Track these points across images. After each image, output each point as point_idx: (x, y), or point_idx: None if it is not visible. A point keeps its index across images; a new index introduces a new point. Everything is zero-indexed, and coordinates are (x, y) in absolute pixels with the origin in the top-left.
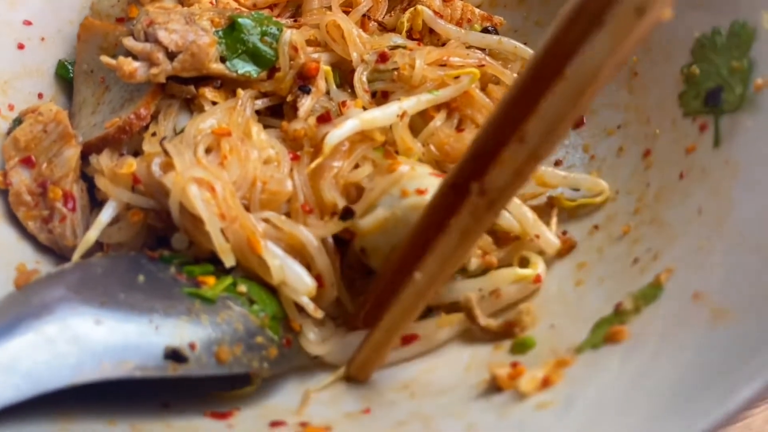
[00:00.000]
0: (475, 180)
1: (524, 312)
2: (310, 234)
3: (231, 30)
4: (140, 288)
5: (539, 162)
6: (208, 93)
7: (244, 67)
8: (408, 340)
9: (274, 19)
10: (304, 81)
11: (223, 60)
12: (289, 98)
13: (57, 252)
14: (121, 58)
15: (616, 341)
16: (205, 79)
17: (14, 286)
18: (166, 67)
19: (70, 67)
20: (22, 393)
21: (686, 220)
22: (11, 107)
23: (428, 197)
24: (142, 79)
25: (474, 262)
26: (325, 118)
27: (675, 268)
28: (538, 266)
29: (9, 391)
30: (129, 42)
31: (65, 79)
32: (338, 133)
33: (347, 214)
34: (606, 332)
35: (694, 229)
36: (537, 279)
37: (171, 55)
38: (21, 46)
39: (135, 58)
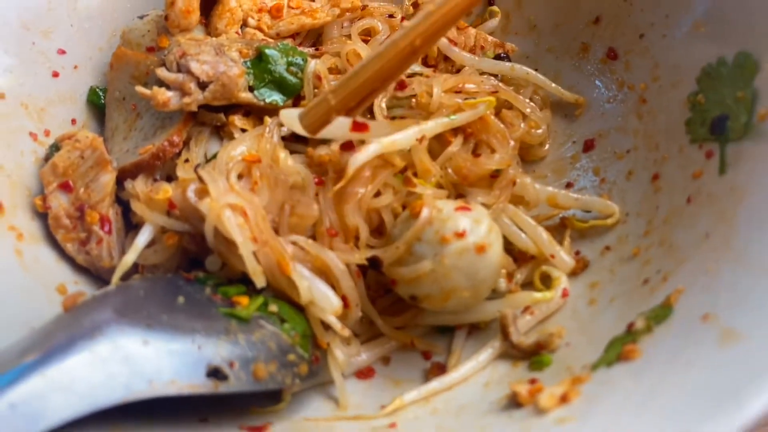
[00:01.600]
0: None
1: (555, 334)
2: (336, 258)
3: (259, 60)
4: (181, 309)
5: None
6: (237, 121)
7: (271, 96)
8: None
9: (299, 49)
10: None
11: (251, 89)
12: None
13: (93, 272)
14: (156, 88)
15: (629, 359)
16: (234, 107)
17: (62, 308)
18: (198, 96)
19: (101, 93)
20: (78, 411)
21: (694, 243)
22: (47, 133)
23: (470, 239)
24: (175, 108)
25: (502, 283)
26: (348, 146)
27: (684, 289)
28: (562, 281)
29: (67, 409)
30: (162, 72)
31: (96, 105)
32: (360, 156)
33: (374, 264)
34: (619, 351)
35: (702, 252)
36: (565, 293)
37: (202, 85)
38: (56, 74)
39: (168, 87)
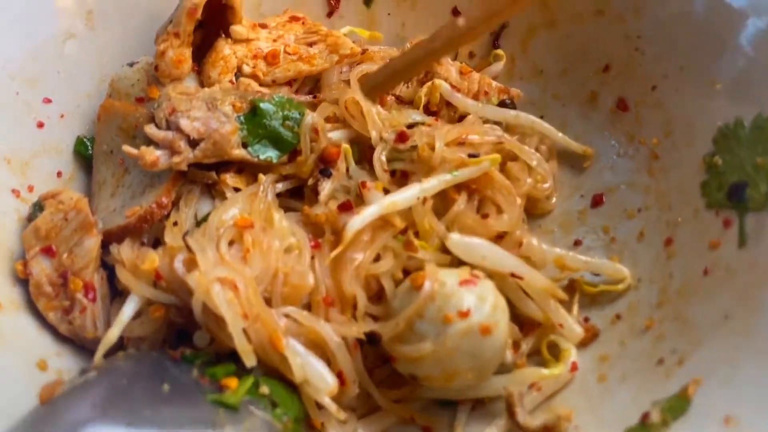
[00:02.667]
0: None
1: (564, 417)
2: (332, 331)
3: (253, 115)
4: (166, 400)
5: None
6: (229, 179)
7: (266, 153)
8: None
9: (296, 101)
10: (325, 164)
11: (245, 145)
12: (310, 182)
13: (77, 342)
14: (143, 148)
15: None
16: (226, 164)
17: (39, 400)
18: (188, 155)
19: (88, 143)
20: None
21: (712, 323)
22: (31, 188)
23: (475, 318)
24: (164, 167)
25: (508, 355)
26: (346, 207)
27: (703, 380)
28: (570, 356)
29: None
30: (150, 130)
31: (84, 156)
32: (359, 219)
33: (372, 339)
34: None
35: (721, 335)
36: (574, 367)
37: (193, 143)
38: (41, 125)
39: (157, 145)
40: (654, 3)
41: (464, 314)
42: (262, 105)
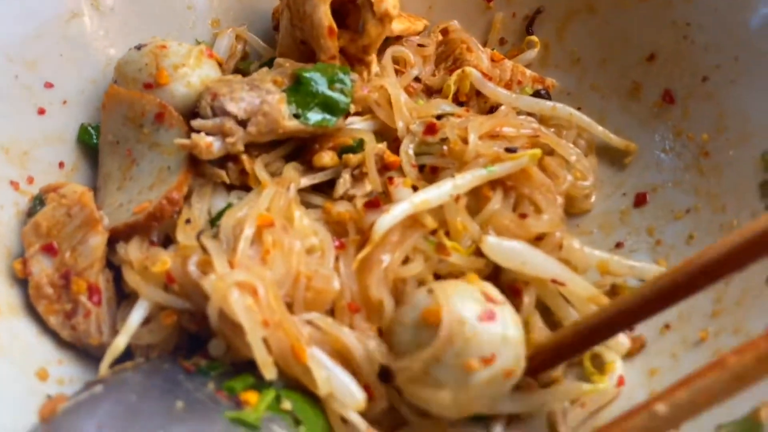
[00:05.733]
0: None
1: None
2: (358, 341)
3: (297, 86)
4: (179, 418)
5: None
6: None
7: (318, 117)
8: None
9: (336, 64)
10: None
11: (297, 117)
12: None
13: (80, 348)
14: (195, 135)
15: None
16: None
17: (39, 418)
18: (241, 134)
19: (93, 131)
20: None
21: None
22: (30, 180)
23: (498, 363)
24: (220, 154)
25: None
26: (373, 204)
27: None
28: (617, 368)
29: None
30: (197, 122)
31: (88, 144)
32: (388, 219)
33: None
34: None
35: None
36: (620, 382)
37: (243, 123)
38: (41, 111)
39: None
40: None
41: (488, 361)
42: (305, 74)
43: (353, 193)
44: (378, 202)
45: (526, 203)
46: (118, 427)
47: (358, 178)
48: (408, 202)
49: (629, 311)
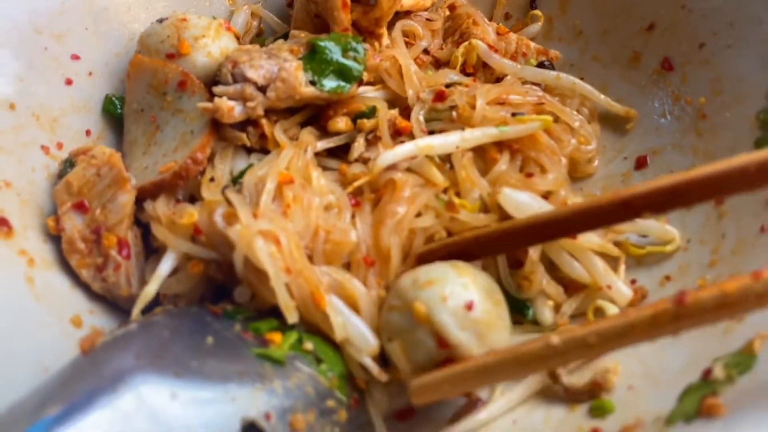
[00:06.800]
0: None
1: (611, 371)
2: (366, 293)
3: (313, 54)
4: (210, 352)
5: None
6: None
7: (333, 84)
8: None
9: (350, 35)
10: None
11: (312, 83)
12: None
13: (111, 300)
14: (217, 100)
15: (713, 415)
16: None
17: (80, 350)
18: (261, 99)
19: (117, 102)
20: None
21: None
22: (60, 146)
23: None
24: (241, 118)
25: (547, 315)
26: (373, 142)
27: None
28: None
29: None
30: (219, 89)
31: (113, 115)
32: (390, 155)
33: None
34: (698, 404)
35: None
36: None
37: (262, 89)
38: (69, 82)
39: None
40: None
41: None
42: (320, 42)
43: (368, 156)
44: (376, 139)
45: (531, 165)
46: (155, 356)
47: (372, 142)
48: (413, 144)
49: (533, 229)
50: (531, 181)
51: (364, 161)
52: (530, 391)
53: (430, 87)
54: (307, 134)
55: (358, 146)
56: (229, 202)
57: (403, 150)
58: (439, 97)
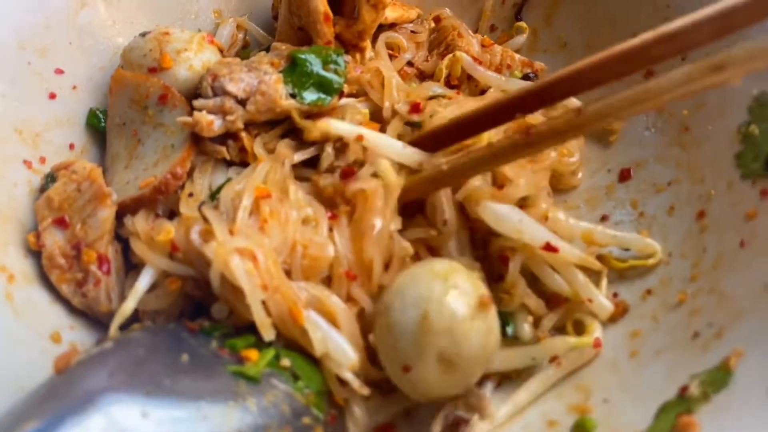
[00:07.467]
0: None
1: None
2: (342, 304)
3: (293, 67)
4: (185, 370)
5: None
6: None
7: (314, 96)
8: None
9: (330, 46)
10: None
11: (293, 96)
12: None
13: (91, 316)
14: (197, 114)
15: None
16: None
17: (54, 370)
18: (240, 112)
19: (101, 116)
20: None
21: (752, 295)
22: (43, 160)
23: None
24: (220, 131)
25: (527, 330)
26: (348, 173)
27: (744, 352)
28: (595, 331)
29: None
30: (198, 102)
31: (96, 128)
32: (336, 124)
33: None
34: (673, 421)
35: (762, 306)
36: (597, 343)
37: (242, 102)
38: (53, 96)
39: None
40: None
41: None
42: (300, 55)
43: (338, 164)
44: (353, 170)
45: (500, 178)
46: (128, 375)
47: (341, 149)
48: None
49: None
50: (504, 192)
51: (335, 170)
52: (515, 410)
53: (410, 99)
54: (284, 147)
55: (327, 156)
56: (205, 219)
57: (344, 127)
58: (415, 108)
